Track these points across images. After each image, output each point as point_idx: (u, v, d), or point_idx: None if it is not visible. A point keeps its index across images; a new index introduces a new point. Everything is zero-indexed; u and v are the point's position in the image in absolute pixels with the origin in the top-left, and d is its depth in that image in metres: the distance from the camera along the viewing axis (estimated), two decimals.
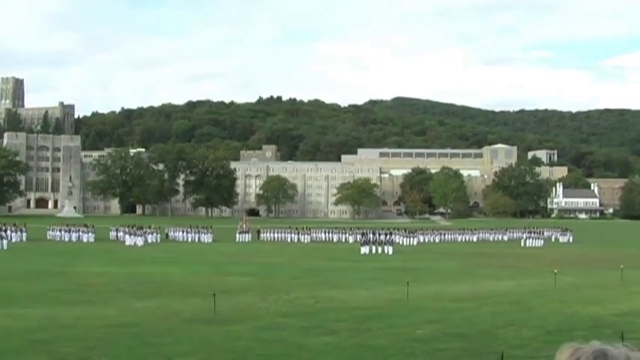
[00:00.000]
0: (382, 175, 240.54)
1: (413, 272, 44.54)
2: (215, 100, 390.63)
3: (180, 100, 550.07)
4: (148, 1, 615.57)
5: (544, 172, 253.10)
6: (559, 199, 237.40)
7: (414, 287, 32.39)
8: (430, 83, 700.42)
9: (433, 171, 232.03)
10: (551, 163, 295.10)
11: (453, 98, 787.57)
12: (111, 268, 47.45)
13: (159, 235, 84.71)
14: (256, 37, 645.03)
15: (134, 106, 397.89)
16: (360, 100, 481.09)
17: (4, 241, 67.09)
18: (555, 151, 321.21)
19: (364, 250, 68.08)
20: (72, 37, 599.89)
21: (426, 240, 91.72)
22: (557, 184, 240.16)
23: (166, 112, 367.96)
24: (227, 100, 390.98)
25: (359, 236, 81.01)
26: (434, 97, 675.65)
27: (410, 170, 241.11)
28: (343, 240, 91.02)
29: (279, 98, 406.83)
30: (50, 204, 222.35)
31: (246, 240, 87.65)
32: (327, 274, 45.33)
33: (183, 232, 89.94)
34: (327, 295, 33.17)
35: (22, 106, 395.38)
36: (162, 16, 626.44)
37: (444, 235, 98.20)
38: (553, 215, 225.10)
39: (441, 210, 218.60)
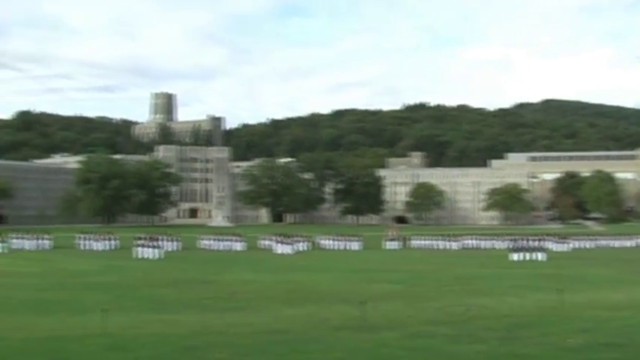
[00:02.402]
0: (532, 180, 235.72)
1: (565, 279, 43.49)
2: (361, 108, 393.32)
3: (326, 109, 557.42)
4: (292, 13, 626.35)
5: None
6: None
7: (566, 295, 31.62)
8: (580, 84, 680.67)
9: (585, 174, 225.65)
10: None
11: (604, 98, 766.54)
12: (261, 276, 48.29)
13: (308, 244, 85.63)
14: (401, 43, 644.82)
15: (282, 117, 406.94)
16: (507, 104, 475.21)
17: (160, 250, 69.47)
18: None
19: (515, 256, 66.90)
20: (220, 51, 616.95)
21: (579, 246, 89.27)
22: None
23: (313, 121, 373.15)
24: (373, 108, 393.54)
25: (509, 243, 79.63)
26: (584, 97, 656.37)
27: (561, 174, 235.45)
28: (493, 247, 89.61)
29: (424, 104, 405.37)
30: (202, 214, 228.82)
31: (395, 247, 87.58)
32: (477, 282, 44.76)
33: (331, 240, 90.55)
34: (477, 303, 32.77)
35: (174, 119, 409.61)
36: (307, 26, 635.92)
37: (598, 240, 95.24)
38: None
39: (595, 215, 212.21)
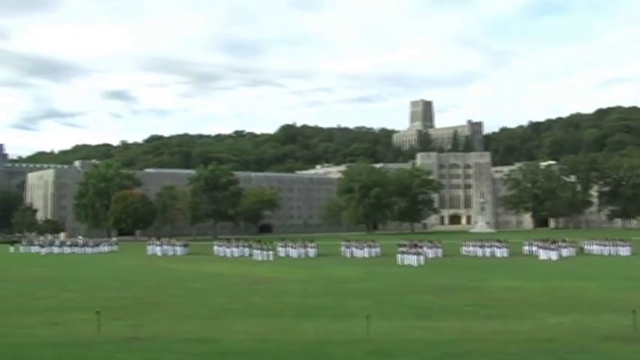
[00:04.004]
0: None
1: None
2: (626, 105, 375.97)
3: (589, 108, 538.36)
4: (547, 11, 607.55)
5: None
6: None
7: None
8: None
9: None
10: None
11: None
12: (525, 283, 47.35)
13: (574, 249, 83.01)
14: None
15: (542, 119, 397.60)
16: None
17: (421, 257, 69.79)
18: None
19: None
20: (476, 55, 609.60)
21: None
22: None
23: (575, 122, 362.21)
24: (639, 105, 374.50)
25: None
26: None
27: None
28: None
29: None
30: (463, 220, 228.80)
31: None
32: None
33: (599, 245, 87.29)
34: None
35: (432, 126, 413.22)
36: (564, 23, 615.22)
37: None
38: None
39: None
